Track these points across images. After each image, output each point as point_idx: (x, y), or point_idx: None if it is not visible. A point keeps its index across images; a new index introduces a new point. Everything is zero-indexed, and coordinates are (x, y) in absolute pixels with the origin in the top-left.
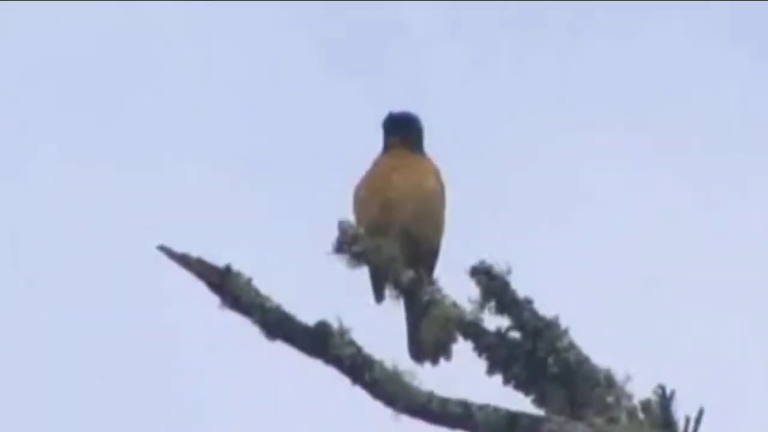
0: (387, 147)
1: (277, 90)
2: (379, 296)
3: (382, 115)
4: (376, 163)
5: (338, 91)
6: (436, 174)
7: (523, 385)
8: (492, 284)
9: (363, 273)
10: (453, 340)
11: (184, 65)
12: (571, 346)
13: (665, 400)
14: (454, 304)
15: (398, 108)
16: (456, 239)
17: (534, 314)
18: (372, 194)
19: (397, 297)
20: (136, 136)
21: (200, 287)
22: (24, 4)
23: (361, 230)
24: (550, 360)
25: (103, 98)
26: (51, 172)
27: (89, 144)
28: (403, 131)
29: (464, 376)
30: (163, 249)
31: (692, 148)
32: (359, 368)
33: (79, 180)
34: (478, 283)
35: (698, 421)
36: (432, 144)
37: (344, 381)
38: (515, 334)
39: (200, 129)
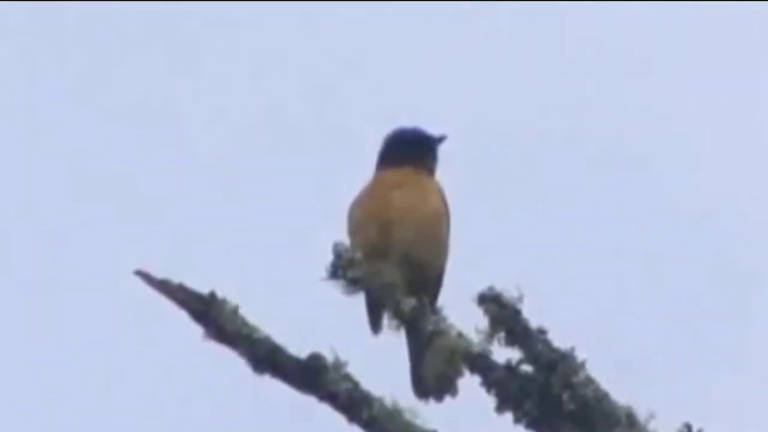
0: (388, 163)
1: (268, 102)
2: (375, 326)
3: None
4: (374, 180)
5: (332, 102)
6: (440, 193)
7: (535, 423)
8: (501, 313)
9: (360, 300)
10: (459, 374)
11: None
12: (589, 380)
13: None
14: (460, 335)
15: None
16: (462, 263)
17: (548, 346)
18: (369, 215)
19: (398, 327)
20: (118, 148)
21: (182, 316)
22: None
23: (359, 254)
24: (566, 396)
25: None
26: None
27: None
28: (422, 154)
29: (471, 414)
30: (141, 274)
31: None
32: (356, 405)
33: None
34: (487, 311)
35: None
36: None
37: (340, 419)
38: (527, 368)
39: (187, 144)
